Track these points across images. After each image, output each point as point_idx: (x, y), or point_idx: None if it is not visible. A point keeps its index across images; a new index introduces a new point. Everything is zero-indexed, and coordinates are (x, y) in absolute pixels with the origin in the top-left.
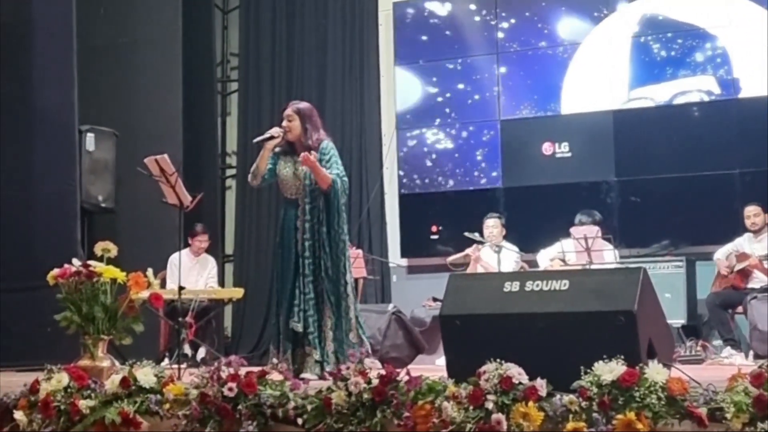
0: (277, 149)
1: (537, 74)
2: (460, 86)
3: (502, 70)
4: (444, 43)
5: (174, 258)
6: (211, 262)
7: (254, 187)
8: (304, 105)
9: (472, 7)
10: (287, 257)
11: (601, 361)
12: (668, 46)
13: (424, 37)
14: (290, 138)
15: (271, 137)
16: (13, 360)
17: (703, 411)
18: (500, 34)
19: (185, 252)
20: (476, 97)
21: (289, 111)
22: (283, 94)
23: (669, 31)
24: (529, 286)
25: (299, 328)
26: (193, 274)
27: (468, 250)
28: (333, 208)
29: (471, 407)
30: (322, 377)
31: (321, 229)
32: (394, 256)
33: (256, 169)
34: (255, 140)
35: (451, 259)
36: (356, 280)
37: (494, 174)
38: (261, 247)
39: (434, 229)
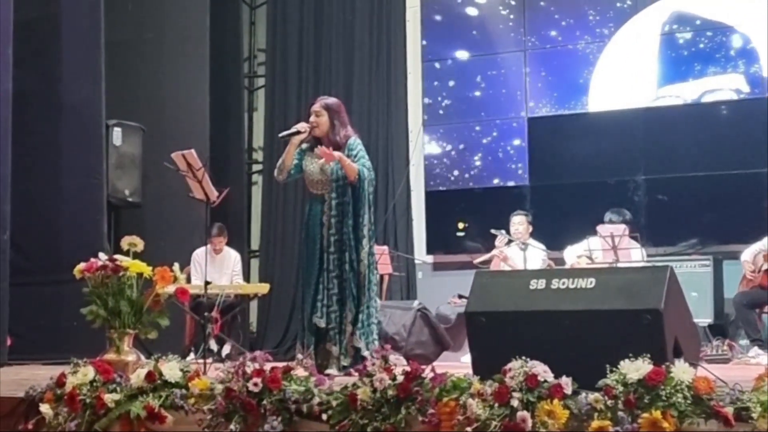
0: (304, 145)
1: (564, 72)
2: (487, 83)
3: (530, 67)
4: (471, 40)
5: (197, 254)
6: (233, 258)
7: (280, 182)
8: (332, 100)
9: (499, 3)
10: (312, 253)
11: (627, 360)
12: (697, 44)
13: (451, 34)
14: (317, 134)
15: (297, 132)
16: (39, 353)
17: (729, 410)
18: (527, 31)
19: (208, 247)
20: (503, 93)
21: (316, 106)
22: (309, 89)
23: (698, 28)
24: (555, 283)
25: (322, 323)
26: (216, 270)
27: (494, 252)
28: (360, 200)
29: (496, 404)
30: (345, 373)
31: (347, 221)
32: (420, 253)
33: (281, 164)
34: (280, 135)
35: (478, 260)
36: (381, 277)
37: (521, 171)
38: (287, 243)
39: (460, 226)
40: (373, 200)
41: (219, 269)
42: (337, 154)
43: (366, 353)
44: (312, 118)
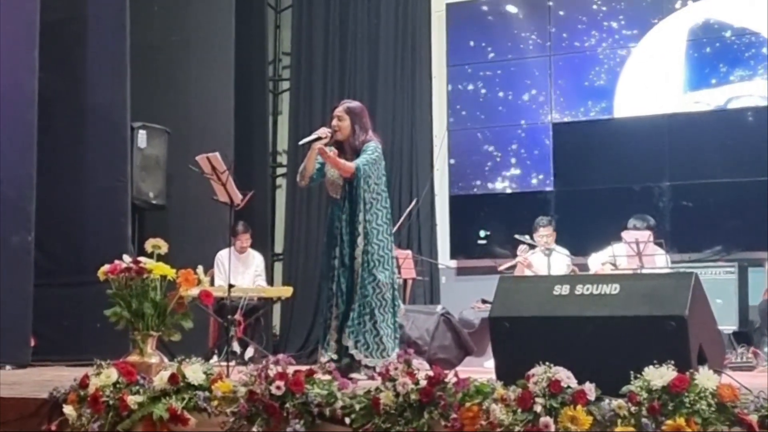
0: (326, 149)
1: (590, 77)
2: (512, 87)
3: (555, 72)
4: (496, 45)
5: (220, 255)
6: (257, 259)
7: (302, 187)
8: (354, 104)
9: (525, 8)
10: (332, 257)
11: (651, 366)
12: (723, 50)
13: (477, 39)
14: (339, 138)
15: (318, 138)
16: (63, 354)
17: (753, 418)
18: (553, 37)
19: (232, 248)
20: (528, 99)
21: (339, 110)
22: (334, 93)
23: (724, 34)
24: (580, 289)
25: None
26: (239, 271)
27: (518, 259)
28: (357, 197)
29: (519, 410)
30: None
31: (344, 217)
32: (444, 258)
33: (303, 169)
34: (301, 142)
35: (502, 268)
36: (405, 281)
37: (546, 177)
38: (310, 246)
39: (483, 233)
40: (398, 204)
41: (243, 270)
42: (329, 156)
43: (354, 352)
44: (334, 122)
